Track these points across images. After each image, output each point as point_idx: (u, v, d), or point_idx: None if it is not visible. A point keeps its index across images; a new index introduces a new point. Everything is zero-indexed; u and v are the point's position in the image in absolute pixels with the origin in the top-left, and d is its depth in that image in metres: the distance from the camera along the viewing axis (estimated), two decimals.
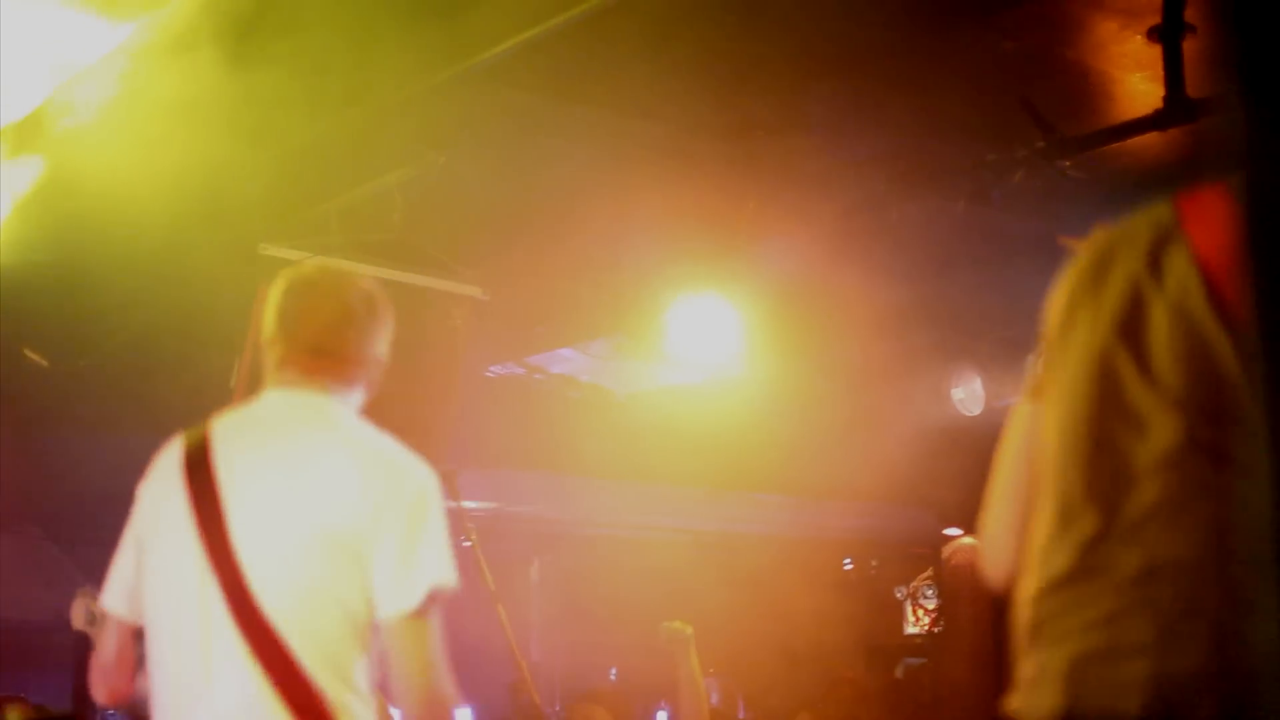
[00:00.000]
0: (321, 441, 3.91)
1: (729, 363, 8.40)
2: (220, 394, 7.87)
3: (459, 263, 7.84)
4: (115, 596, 4.04)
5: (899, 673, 11.74)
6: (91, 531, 6.60)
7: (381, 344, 4.15)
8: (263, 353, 4.15)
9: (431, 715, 3.72)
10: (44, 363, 8.11)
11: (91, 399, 7.94)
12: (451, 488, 6.36)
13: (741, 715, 10.78)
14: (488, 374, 9.37)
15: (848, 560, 13.18)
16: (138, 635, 4.02)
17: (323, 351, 4.03)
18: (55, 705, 6.53)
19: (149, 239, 7.03)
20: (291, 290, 4.13)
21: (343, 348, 4.05)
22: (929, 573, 12.59)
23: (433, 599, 3.74)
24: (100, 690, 4.11)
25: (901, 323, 8.86)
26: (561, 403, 9.39)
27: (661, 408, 9.22)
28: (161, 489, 3.96)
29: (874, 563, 13.13)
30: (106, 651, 4.07)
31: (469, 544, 6.69)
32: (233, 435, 3.98)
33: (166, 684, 3.86)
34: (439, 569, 3.76)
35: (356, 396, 4.11)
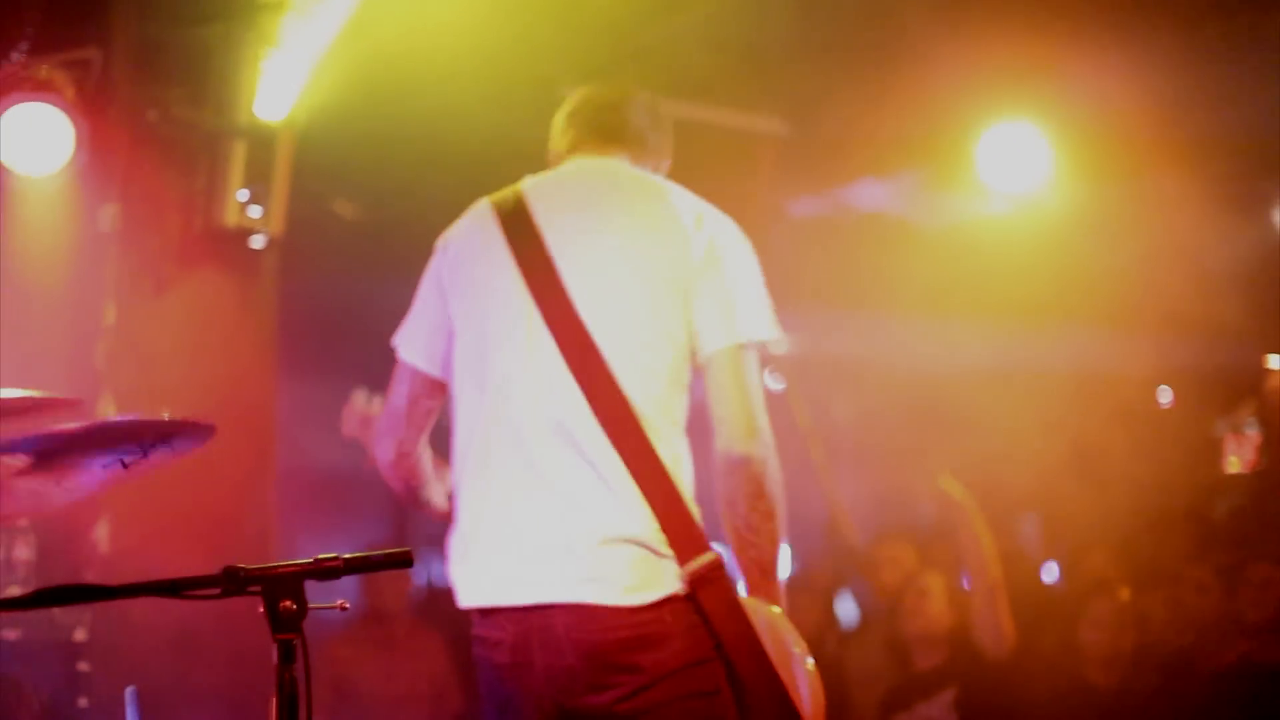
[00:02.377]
0: (635, 191, 4.02)
1: (1040, 192, 8.20)
2: None
3: (761, 99, 7.75)
4: (412, 345, 4.09)
5: (1220, 512, 11.44)
6: None
7: (664, 143, 4.26)
8: (552, 157, 4.26)
9: (751, 445, 3.76)
10: (353, 214, 8.24)
11: (400, 249, 8.04)
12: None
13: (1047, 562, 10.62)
14: (792, 212, 9.28)
15: (1164, 393, 12.83)
16: (430, 388, 4.05)
17: (608, 130, 4.17)
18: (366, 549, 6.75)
19: (452, 87, 7.06)
20: (575, 95, 4.30)
21: (626, 128, 4.18)
22: (1251, 405, 12.21)
23: (751, 344, 3.84)
24: (386, 444, 4.12)
25: (1221, 148, 8.52)
26: (869, 238, 9.26)
27: (971, 240, 9.01)
28: (475, 243, 4.03)
29: (1190, 397, 12.79)
30: (397, 402, 4.10)
31: (780, 386, 6.64)
32: (544, 190, 4.06)
33: (480, 432, 3.89)
34: (757, 317, 3.85)
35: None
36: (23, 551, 7.06)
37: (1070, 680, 7.26)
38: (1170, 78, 7.47)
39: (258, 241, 7.47)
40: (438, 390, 4.06)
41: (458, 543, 3.90)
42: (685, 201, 3.94)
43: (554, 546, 3.69)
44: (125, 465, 3.33)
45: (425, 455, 4.13)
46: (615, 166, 4.11)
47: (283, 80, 7.18)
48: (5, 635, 6.54)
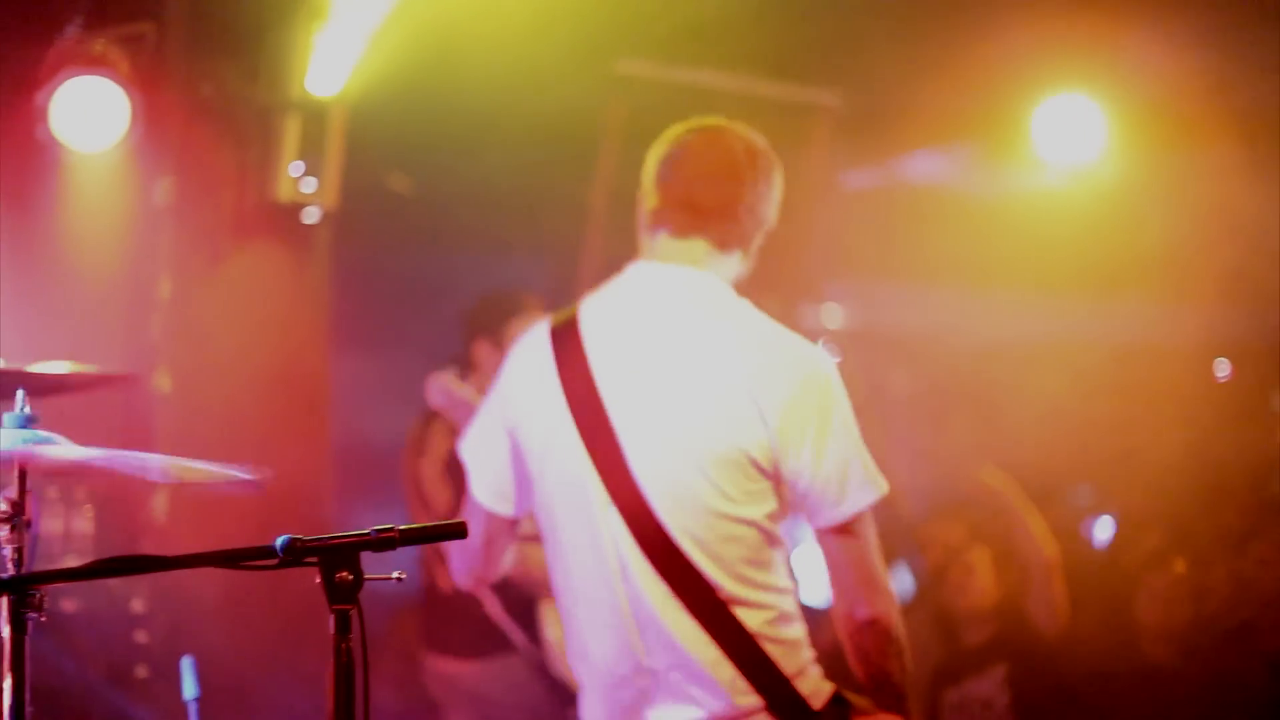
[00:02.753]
0: (704, 335, 3.74)
1: (1095, 164, 8.15)
2: (576, 215, 7.92)
3: (816, 72, 7.72)
4: (485, 488, 3.99)
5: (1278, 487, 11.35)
6: (452, 348, 6.73)
7: (768, 206, 3.92)
8: (639, 207, 3.99)
9: (877, 605, 3.70)
10: (408, 189, 8.25)
11: (454, 223, 8.06)
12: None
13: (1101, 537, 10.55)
14: (847, 184, 9.25)
15: (1221, 366, 12.74)
16: (505, 527, 4.00)
17: (699, 207, 3.83)
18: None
19: (506, 59, 7.05)
20: (672, 141, 3.93)
21: (722, 203, 3.84)
22: None
23: (862, 514, 3.68)
24: (462, 574, 4.08)
25: (1276, 117, 8.44)
26: (923, 210, 9.22)
27: (1026, 212, 8.97)
28: (532, 382, 3.87)
29: (1248, 369, 12.69)
30: (474, 538, 3.99)
31: (835, 359, 6.63)
32: (604, 323, 3.84)
33: (567, 578, 3.85)
34: (862, 484, 3.65)
35: (734, 264, 3.90)
36: (80, 523, 7.11)
37: (1126, 656, 7.23)
38: (1224, 48, 7.41)
39: (311, 215, 7.49)
40: (512, 527, 4.00)
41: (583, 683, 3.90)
42: (760, 343, 3.72)
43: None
44: None
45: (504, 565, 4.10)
46: (690, 287, 3.80)
47: (336, 54, 7.19)
48: (64, 607, 6.58)
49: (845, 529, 3.67)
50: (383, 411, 8.02)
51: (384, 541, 2.60)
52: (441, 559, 6.38)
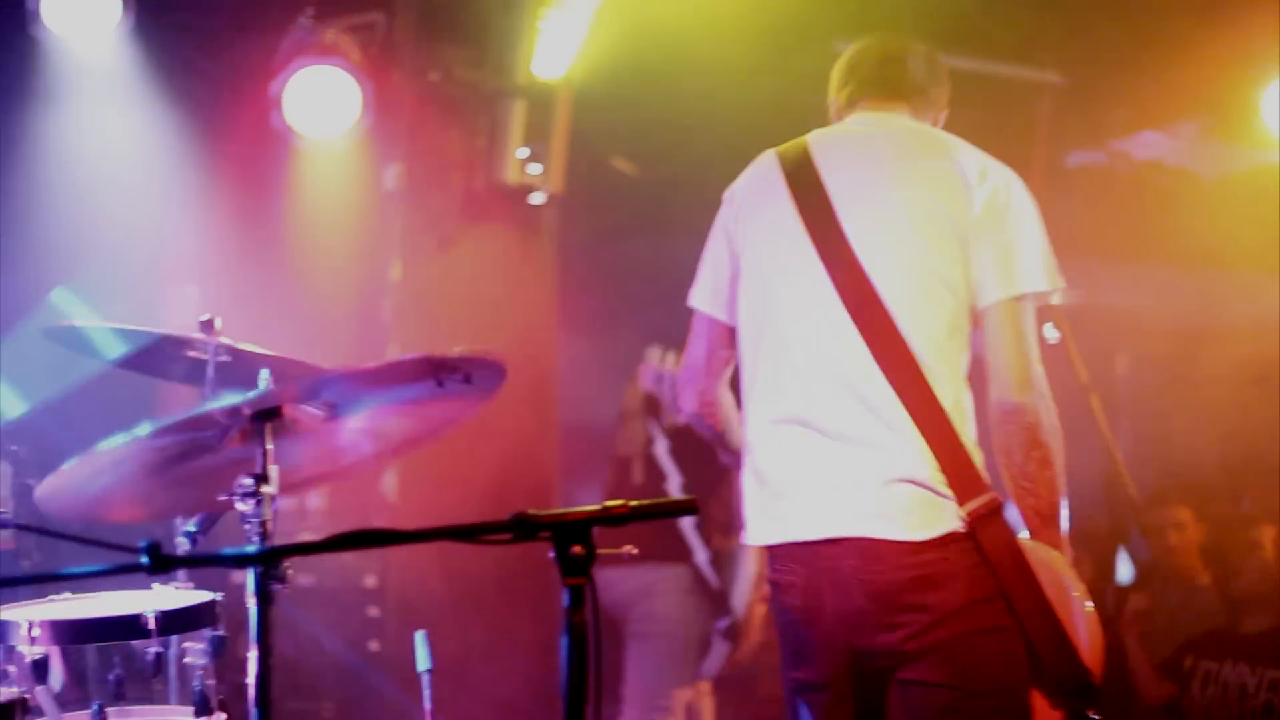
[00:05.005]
0: (918, 145, 4.02)
1: None
2: None
3: (1039, 50, 7.64)
4: (705, 295, 4.17)
5: None
6: (679, 334, 6.78)
7: (942, 95, 4.26)
8: (832, 109, 4.29)
9: (1025, 395, 3.78)
10: (632, 171, 8.32)
11: (678, 205, 8.11)
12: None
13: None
14: (1069, 162, 9.14)
15: None
16: (727, 337, 4.12)
17: (890, 84, 4.17)
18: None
19: (729, 42, 7.08)
20: (854, 47, 4.30)
21: (907, 81, 4.18)
22: None
23: (1028, 295, 3.84)
24: (688, 395, 4.22)
25: None
26: (1146, 189, 9.07)
27: (1251, 190, 8.77)
28: (761, 193, 4.08)
29: None
30: (696, 353, 4.20)
31: (1058, 336, 6.56)
32: (829, 144, 4.08)
33: (765, 377, 3.97)
34: (1035, 269, 3.85)
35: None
36: (315, 500, 7.33)
37: None
38: None
39: (538, 198, 7.60)
40: (730, 338, 4.14)
41: (747, 483, 3.97)
42: (969, 155, 3.94)
43: (840, 485, 3.75)
44: (440, 384, 3.44)
45: (727, 400, 4.21)
46: (897, 121, 4.13)
47: (561, 39, 7.30)
48: (301, 582, 6.79)
49: (1010, 308, 3.81)
50: (606, 392, 8.11)
51: (616, 516, 2.64)
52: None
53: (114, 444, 3.38)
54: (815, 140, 4.10)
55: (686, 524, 6.59)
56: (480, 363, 3.46)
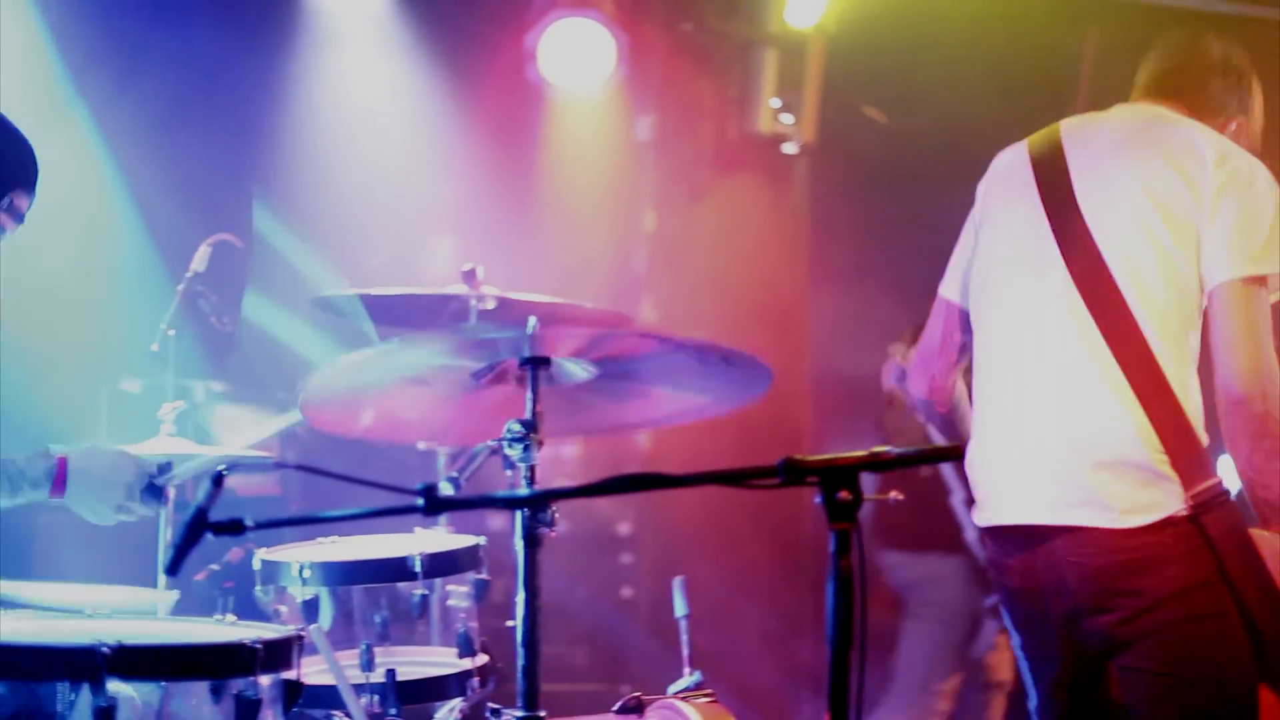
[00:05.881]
0: (1160, 130, 3.93)
1: None
2: None
3: None
4: (951, 283, 4.15)
5: None
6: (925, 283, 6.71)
7: (1230, 101, 4.10)
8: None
9: (1251, 384, 3.67)
10: (883, 119, 8.25)
11: (931, 155, 8.02)
12: None
13: None
14: None
15: None
16: (963, 321, 4.09)
17: (1165, 88, 4.07)
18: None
19: None
20: (1161, 40, 4.18)
21: (1185, 87, 4.06)
22: None
23: (1258, 278, 3.72)
24: (919, 379, 4.19)
25: None
26: None
27: None
28: (1008, 180, 4.04)
29: None
30: (931, 336, 4.16)
31: None
32: (1079, 132, 4.02)
33: (992, 360, 3.93)
34: (1266, 252, 3.73)
35: None
36: (569, 448, 7.43)
37: None
38: None
39: (790, 148, 7.58)
40: (965, 322, 4.09)
41: (971, 463, 3.93)
42: (1208, 139, 3.85)
43: (1054, 471, 3.69)
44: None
45: (960, 388, 4.17)
46: (1155, 112, 4.03)
47: None
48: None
49: (1240, 290, 3.71)
50: (856, 343, 8.07)
51: (882, 463, 2.63)
52: None
53: (374, 350, 3.54)
54: (1067, 128, 4.05)
55: (957, 502, 6.56)
56: (753, 366, 3.48)
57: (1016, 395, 3.82)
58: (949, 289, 4.14)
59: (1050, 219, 3.87)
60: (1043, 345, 3.79)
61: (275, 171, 7.07)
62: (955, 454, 2.75)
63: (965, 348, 4.10)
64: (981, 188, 4.14)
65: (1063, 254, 3.81)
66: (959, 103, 7.63)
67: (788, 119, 7.41)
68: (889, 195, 8.12)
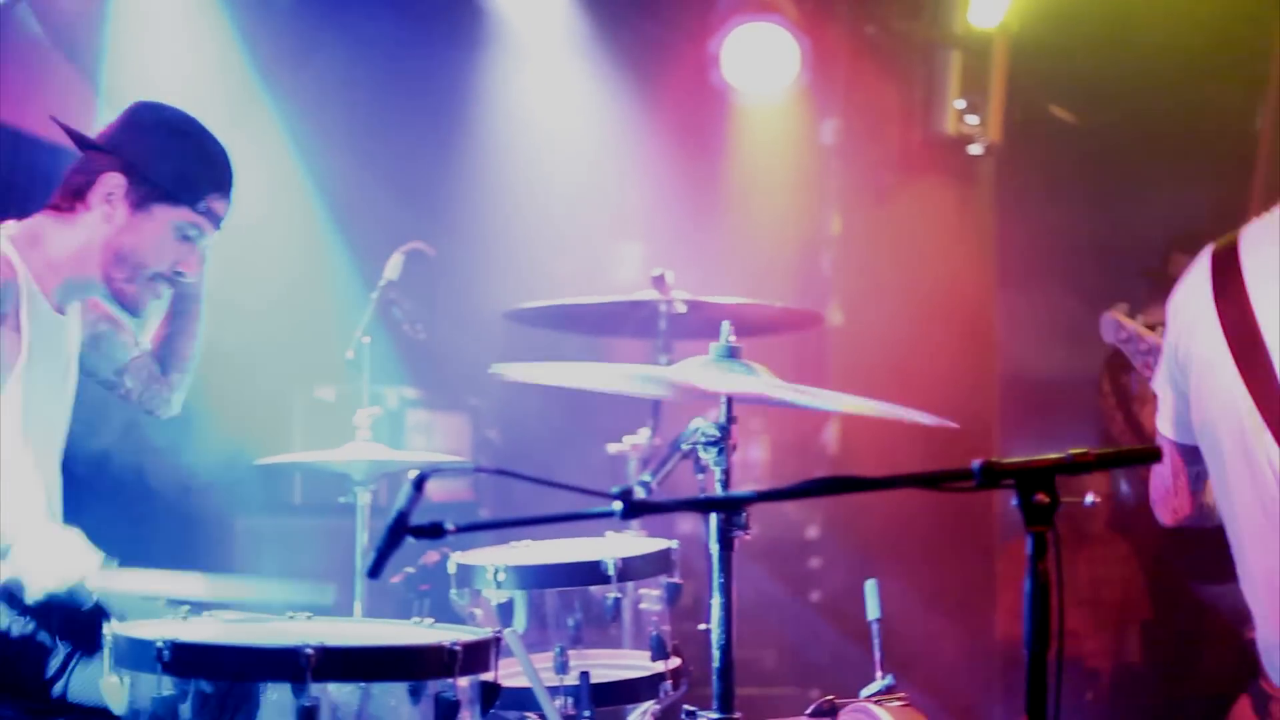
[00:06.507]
0: None
1: None
2: (1245, 141, 7.64)
3: None
4: (1164, 416, 3.99)
5: None
6: (1114, 284, 6.62)
7: None
8: None
9: None
10: (1070, 118, 8.16)
11: (1120, 154, 7.92)
12: None
13: None
14: None
15: None
16: (1190, 456, 3.97)
17: None
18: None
19: None
20: None
21: None
22: None
23: None
24: (1163, 511, 4.08)
25: None
26: None
27: None
28: (1194, 306, 3.85)
29: None
30: (1163, 472, 4.02)
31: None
32: (1263, 247, 3.79)
33: (1234, 509, 3.80)
34: None
35: None
36: (757, 452, 7.44)
37: None
38: None
39: (976, 149, 7.52)
40: (1195, 455, 3.97)
41: (1257, 614, 3.87)
42: None
43: None
44: None
45: (1204, 496, 4.08)
46: None
47: None
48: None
49: None
50: (1046, 345, 7.98)
51: (1080, 465, 2.61)
52: None
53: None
54: (1246, 235, 3.84)
55: None
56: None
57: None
58: (1165, 425, 3.99)
59: (1244, 377, 3.70)
60: (1241, 485, 3.71)
61: (463, 179, 7.17)
62: (1153, 455, 2.71)
63: (1200, 476, 3.99)
64: (1171, 307, 3.96)
65: (1264, 420, 3.66)
66: (1147, 100, 7.53)
67: (973, 120, 7.36)
68: (1077, 195, 8.02)
